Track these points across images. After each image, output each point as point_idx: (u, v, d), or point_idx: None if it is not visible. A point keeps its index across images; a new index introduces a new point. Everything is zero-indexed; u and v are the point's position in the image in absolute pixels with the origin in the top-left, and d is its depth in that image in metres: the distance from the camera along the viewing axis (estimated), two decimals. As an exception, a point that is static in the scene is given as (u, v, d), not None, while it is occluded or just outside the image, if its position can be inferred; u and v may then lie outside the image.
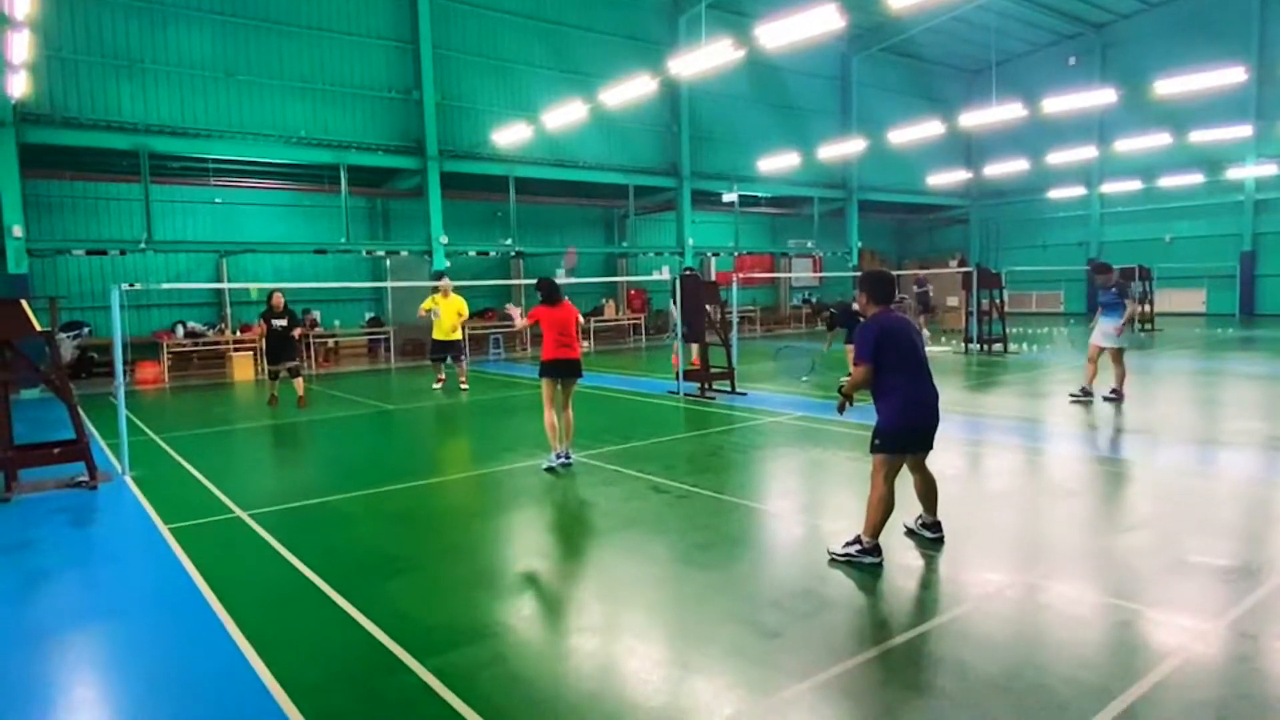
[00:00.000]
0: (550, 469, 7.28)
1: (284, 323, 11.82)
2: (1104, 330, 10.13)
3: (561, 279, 8.98)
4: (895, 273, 32.36)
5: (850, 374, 4.92)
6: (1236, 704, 3.14)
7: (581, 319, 7.81)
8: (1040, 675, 3.40)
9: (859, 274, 6.43)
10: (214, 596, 4.54)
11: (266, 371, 12.01)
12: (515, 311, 8.42)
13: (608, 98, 16.66)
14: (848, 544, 4.83)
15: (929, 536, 5.17)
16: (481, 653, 3.78)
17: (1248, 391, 11.53)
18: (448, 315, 12.89)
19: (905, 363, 4.74)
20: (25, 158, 14.81)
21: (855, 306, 8.23)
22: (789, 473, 7.54)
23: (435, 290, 13.19)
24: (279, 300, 11.86)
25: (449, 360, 13.16)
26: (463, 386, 13.29)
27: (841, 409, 5.08)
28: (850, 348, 8.21)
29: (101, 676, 3.78)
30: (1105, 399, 10.13)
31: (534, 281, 7.85)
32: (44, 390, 12.32)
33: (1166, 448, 7.85)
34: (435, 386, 13.12)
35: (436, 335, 13.00)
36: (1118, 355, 10.07)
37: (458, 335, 13.13)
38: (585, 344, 22.01)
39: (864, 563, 4.71)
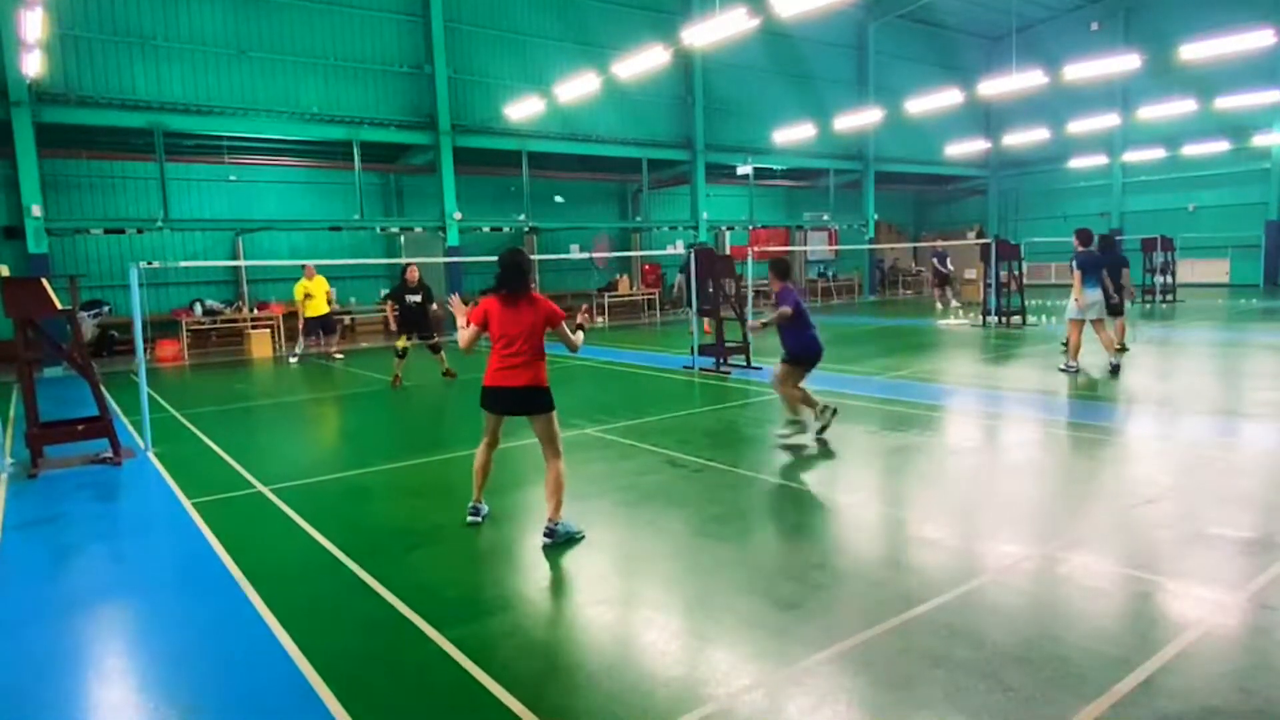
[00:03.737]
0: (473, 521, 5.26)
1: (418, 298, 11.47)
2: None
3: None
4: (913, 245, 32.08)
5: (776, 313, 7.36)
6: (1257, 675, 3.13)
7: (560, 319, 5.10)
8: (1059, 646, 3.40)
9: (772, 260, 8.05)
10: (237, 569, 4.61)
11: (397, 350, 11.45)
12: (460, 312, 5.43)
13: (621, 70, 16.49)
14: (784, 430, 7.29)
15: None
16: (501, 623, 3.83)
17: (1268, 363, 11.37)
18: (319, 295, 14.33)
19: (803, 317, 7.32)
20: (42, 137, 14.89)
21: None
22: (804, 446, 7.52)
23: (304, 276, 14.43)
24: (414, 274, 11.45)
25: (320, 334, 14.75)
26: (337, 356, 15.00)
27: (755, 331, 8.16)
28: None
29: (130, 648, 3.86)
30: (1060, 370, 10.37)
31: (542, 259, 7.25)
32: (67, 368, 12.48)
33: (1185, 420, 7.77)
34: (292, 361, 14.32)
35: (310, 314, 14.37)
36: (1076, 326, 10.23)
37: (329, 310, 14.68)
38: (600, 319, 21.97)
39: (800, 424, 7.29)
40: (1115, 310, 11.40)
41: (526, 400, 4.96)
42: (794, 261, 29.73)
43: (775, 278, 7.59)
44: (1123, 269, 11.69)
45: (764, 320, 7.65)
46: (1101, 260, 10.49)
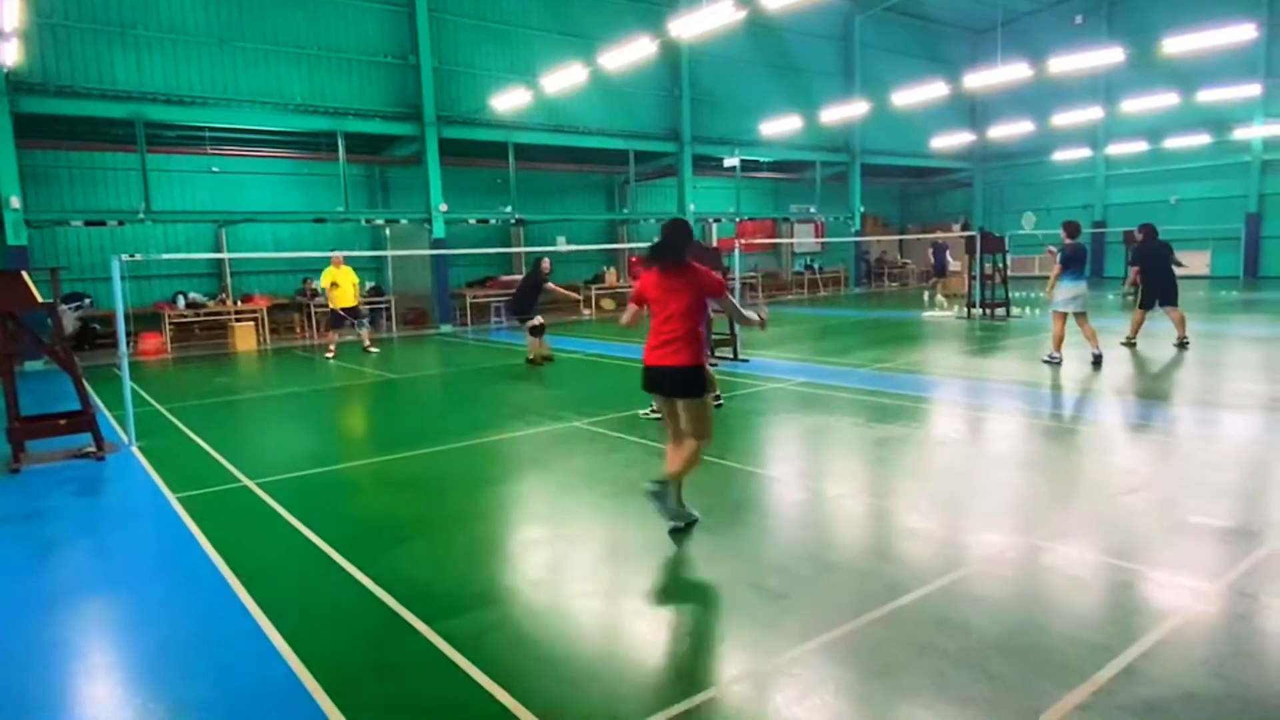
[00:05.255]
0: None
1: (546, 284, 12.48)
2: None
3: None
4: (899, 237, 32.01)
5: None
6: (1235, 661, 3.19)
7: (724, 291, 4.69)
8: (1042, 635, 3.44)
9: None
10: (224, 563, 4.59)
11: (533, 328, 12.31)
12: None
13: (607, 61, 16.41)
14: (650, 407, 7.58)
15: (717, 406, 7.53)
16: (489, 616, 3.83)
17: (1248, 353, 11.52)
18: (345, 285, 14.03)
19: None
20: (20, 128, 14.66)
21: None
22: (791, 438, 7.56)
23: (331, 264, 14.16)
24: (548, 264, 12.47)
25: (353, 325, 14.46)
26: (371, 350, 14.49)
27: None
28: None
29: (115, 643, 3.84)
30: (1044, 361, 10.58)
31: (529, 251, 7.40)
32: (48, 362, 12.35)
33: (1167, 410, 7.86)
34: (328, 356, 13.88)
35: (339, 304, 14.11)
36: (1059, 318, 10.49)
37: (356, 302, 14.43)
38: (587, 312, 21.91)
39: (654, 418, 7.50)
40: (1171, 299, 11.58)
41: (680, 382, 4.60)
42: (784, 252, 29.88)
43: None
44: (1170, 255, 11.82)
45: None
46: (1086, 253, 10.59)
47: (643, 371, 4.76)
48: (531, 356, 12.29)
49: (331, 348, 14.09)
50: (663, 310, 4.58)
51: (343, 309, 14.19)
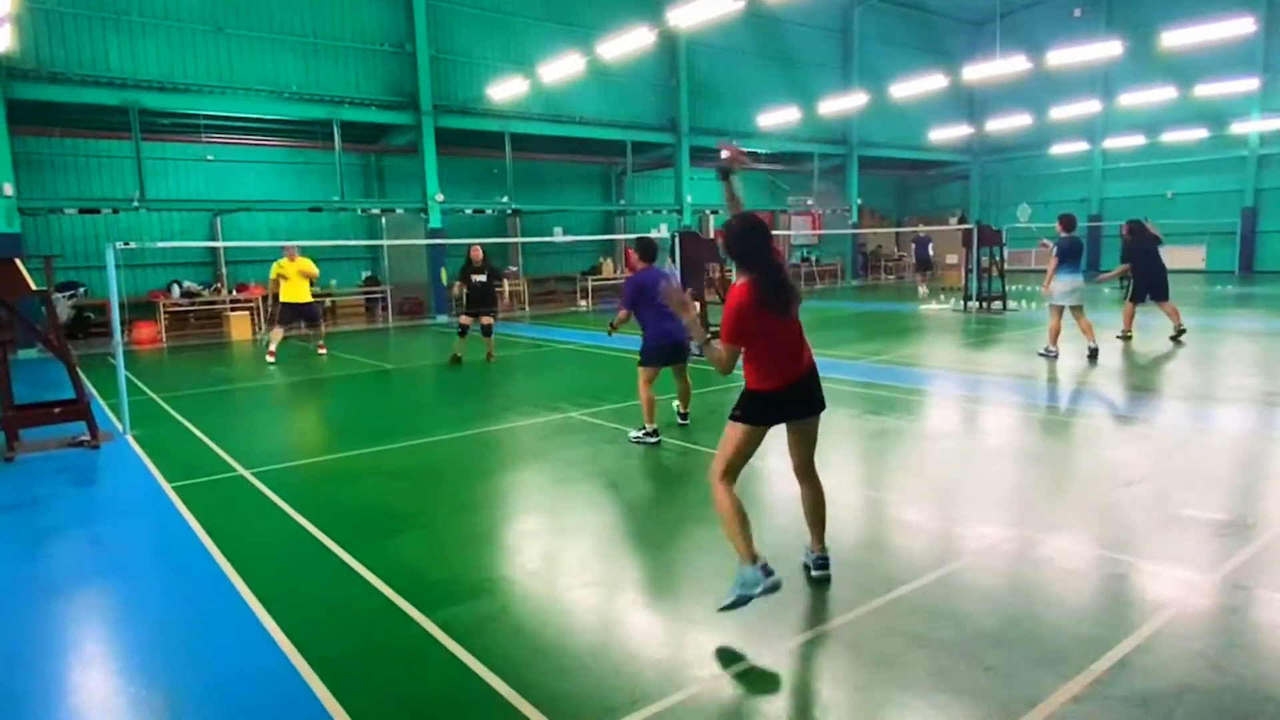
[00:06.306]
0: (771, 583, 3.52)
1: (484, 277, 11.68)
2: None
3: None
4: (895, 230, 32.01)
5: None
6: (1230, 653, 3.20)
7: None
8: (1037, 626, 3.45)
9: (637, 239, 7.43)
10: (219, 552, 4.58)
11: (460, 328, 11.71)
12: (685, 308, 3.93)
13: (605, 51, 16.35)
14: (637, 434, 6.68)
15: (681, 424, 7.19)
16: (486, 606, 3.83)
17: (1243, 348, 11.55)
18: (293, 277, 12.42)
19: (653, 305, 6.43)
20: (13, 114, 14.57)
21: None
22: (785, 430, 7.55)
23: (284, 256, 12.62)
24: (478, 253, 11.70)
25: (303, 325, 13.00)
26: (320, 350, 13.03)
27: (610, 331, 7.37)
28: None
29: (111, 631, 3.83)
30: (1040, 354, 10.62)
31: (525, 242, 6.88)
32: (42, 350, 12.29)
33: (1163, 404, 7.88)
34: (269, 360, 12.16)
35: (287, 298, 12.44)
36: (1055, 311, 10.47)
37: (309, 297, 12.75)
38: (583, 303, 21.90)
39: (649, 443, 6.57)
40: (1162, 294, 11.63)
41: (819, 388, 3.84)
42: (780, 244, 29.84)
43: (638, 259, 6.89)
44: (1157, 249, 11.94)
45: (612, 323, 7.14)
46: (1082, 247, 10.61)
47: (768, 398, 3.78)
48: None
49: (273, 349, 12.35)
50: (780, 344, 3.75)
51: (291, 304, 12.51)
